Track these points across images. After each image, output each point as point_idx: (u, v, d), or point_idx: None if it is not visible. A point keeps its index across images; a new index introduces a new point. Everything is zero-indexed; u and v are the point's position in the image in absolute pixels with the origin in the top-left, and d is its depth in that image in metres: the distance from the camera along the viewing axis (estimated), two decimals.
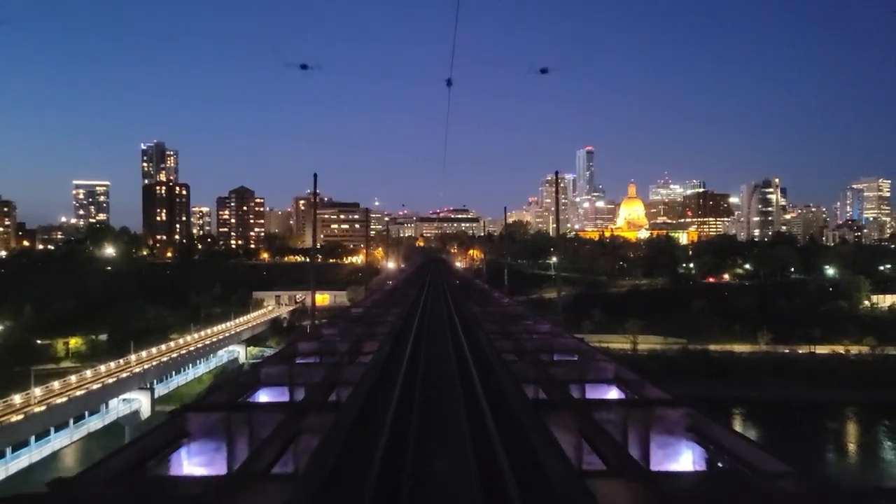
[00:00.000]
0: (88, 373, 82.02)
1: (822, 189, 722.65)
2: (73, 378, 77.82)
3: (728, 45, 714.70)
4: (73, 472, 8.84)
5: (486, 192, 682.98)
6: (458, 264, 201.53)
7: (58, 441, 64.85)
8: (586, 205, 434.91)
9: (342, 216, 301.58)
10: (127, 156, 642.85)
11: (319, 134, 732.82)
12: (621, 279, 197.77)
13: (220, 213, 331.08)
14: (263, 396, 16.36)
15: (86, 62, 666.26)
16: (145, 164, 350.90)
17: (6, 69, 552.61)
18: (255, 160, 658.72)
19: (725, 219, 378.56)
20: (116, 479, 8.76)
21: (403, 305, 38.40)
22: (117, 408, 78.05)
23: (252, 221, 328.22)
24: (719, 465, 10.15)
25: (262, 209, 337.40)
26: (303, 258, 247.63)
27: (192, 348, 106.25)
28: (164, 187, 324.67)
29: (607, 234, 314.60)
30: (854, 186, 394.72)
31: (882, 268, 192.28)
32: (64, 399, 69.17)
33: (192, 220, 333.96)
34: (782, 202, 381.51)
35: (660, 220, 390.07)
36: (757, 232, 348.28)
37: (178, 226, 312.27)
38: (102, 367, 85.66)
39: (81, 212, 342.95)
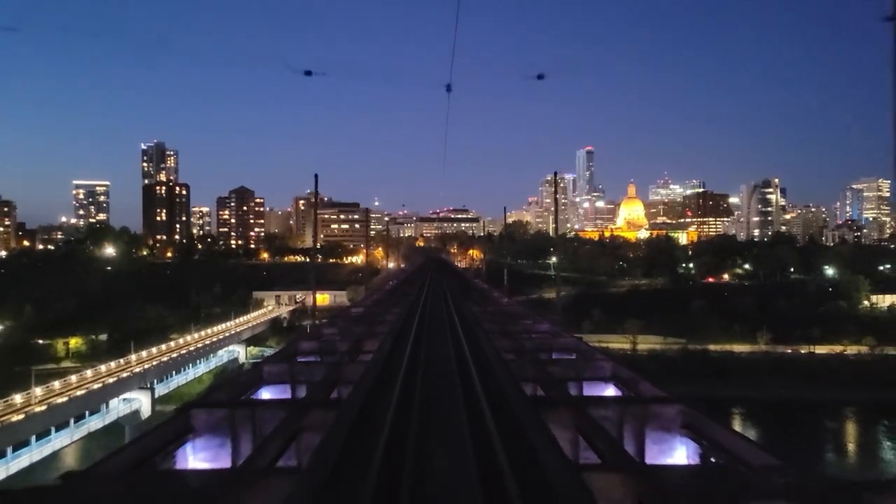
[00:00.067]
0: (89, 372, 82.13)
1: (822, 189, 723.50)
2: (73, 378, 77.93)
3: (728, 45, 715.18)
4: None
5: (486, 192, 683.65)
6: (458, 264, 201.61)
7: (58, 441, 64.99)
8: (586, 205, 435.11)
9: (342, 216, 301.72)
10: (127, 156, 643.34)
11: (319, 134, 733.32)
12: (621, 279, 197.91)
13: (220, 213, 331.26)
14: (265, 394, 16.58)
15: (86, 62, 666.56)
16: (145, 164, 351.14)
17: (6, 69, 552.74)
18: (255, 160, 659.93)
19: (725, 219, 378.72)
20: (125, 474, 9.00)
21: (403, 305, 38.54)
22: (118, 407, 78.19)
23: (252, 221, 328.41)
24: (712, 460, 10.36)
25: (262, 209, 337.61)
26: (303, 258, 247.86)
27: (192, 348, 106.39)
28: (164, 187, 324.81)
29: (607, 234, 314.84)
30: (854, 186, 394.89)
31: (881, 268, 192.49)
32: (64, 399, 69.28)
33: (192, 220, 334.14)
34: (782, 202, 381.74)
35: (659, 220, 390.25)
36: (757, 232, 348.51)
37: (178, 226, 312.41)
38: (103, 367, 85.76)
39: (81, 212, 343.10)
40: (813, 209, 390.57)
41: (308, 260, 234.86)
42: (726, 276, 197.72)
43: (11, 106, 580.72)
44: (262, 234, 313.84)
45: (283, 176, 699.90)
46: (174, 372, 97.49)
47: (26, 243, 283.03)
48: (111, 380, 79.91)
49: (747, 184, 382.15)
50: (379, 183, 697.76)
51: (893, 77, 9.51)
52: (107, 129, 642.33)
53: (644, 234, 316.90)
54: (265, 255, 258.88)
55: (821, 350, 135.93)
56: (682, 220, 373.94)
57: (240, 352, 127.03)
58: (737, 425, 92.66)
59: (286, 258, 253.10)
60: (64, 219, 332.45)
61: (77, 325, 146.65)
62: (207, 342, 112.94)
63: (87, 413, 71.38)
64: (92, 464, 9.11)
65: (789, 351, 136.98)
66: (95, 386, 76.09)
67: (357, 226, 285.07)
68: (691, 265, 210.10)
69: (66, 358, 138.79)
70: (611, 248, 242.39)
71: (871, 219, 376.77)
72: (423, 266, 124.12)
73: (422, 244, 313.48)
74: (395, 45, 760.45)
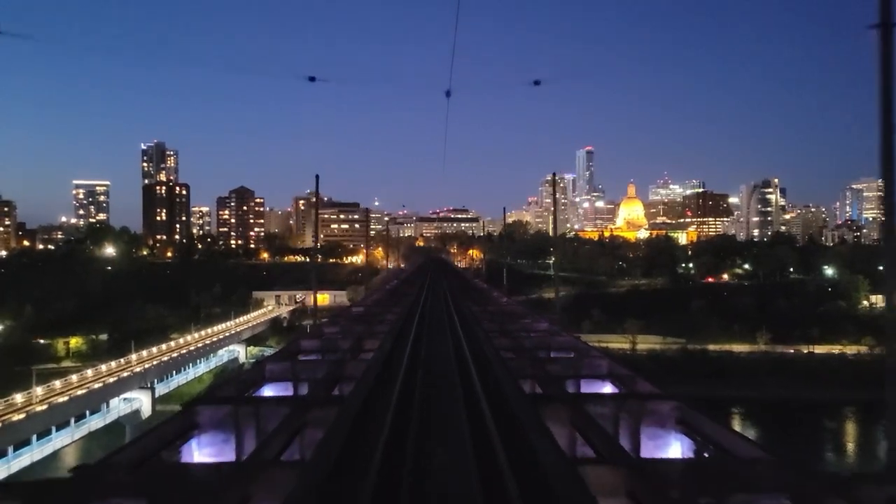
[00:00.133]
0: (89, 372, 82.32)
1: (822, 189, 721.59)
2: (74, 377, 78.14)
3: (728, 45, 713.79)
4: None
5: (486, 192, 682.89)
6: (457, 264, 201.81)
7: (59, 440, 65.25)
8: (586, 205, 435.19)
9: (342, 216, 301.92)
10: (127, 156, 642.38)
11: (319, 134, 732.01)
12: (621, 279, 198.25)
13: (220, 213, 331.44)
14: (268, 391, 16.81)
15: (86, 62, 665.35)
16: (145, 164, 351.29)
17: (6, 69, 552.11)
18: (255, 160, 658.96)
19: (725, 219, 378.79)
20: (133, 467, 9.27)
21: (403, 304, 38.68)
22: (118, 407, 78.43)
23: (252, 221, 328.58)
24: (705, 455, 10.61)
25: (262, 209, 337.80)
26: (303, 258, 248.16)
27: (192, 348, 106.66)
28: (164, 187, 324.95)
29: (607, 234, 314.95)
30: (853, 186, 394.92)
31: (881, 268, 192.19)
32: (65, 398, 69.50)
33: (192, 220, 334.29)
34: (782, 202, 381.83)
35: (659, 220, 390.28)
36: (756, 232, 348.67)
37: (178, 226, 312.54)
38: (103, 367, 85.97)
39: (81, 212, 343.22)
40: (813, 209, 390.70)
41: (308, 260, 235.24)
42: (726, 276, 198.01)
43: (11, 106, 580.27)
44: (262, 234, 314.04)
45: (283, 176, 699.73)
46: (174, 371, 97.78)
47: (26, 243, 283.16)
48: (112, 379, 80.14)
49: (747, 184, 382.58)
50: (379, 183, 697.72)
51: (880, 83, 9.77)
52: (107, 129, 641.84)
53: (644, 234, 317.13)
54: (265, 255, 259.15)
55: (820, 350, 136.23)
56: (682, 220, 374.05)
57: (240, 352, 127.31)
58: (736, 425, 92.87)
59: (286, 258, 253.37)
60: (64, 219, 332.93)
61: (77, 324, 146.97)
62: (207, 342, 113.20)
63: (87, 412, 71.66)
64: (101, 457, 9.38)
65: (789, 351, 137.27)
66: (96, 385, 76.32)
67: (357, 226, 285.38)
68: (691, 265, 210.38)
69: (66, 357, 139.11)
70: (610, 248, 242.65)
71: (870, 219, 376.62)
72: (423, 266, 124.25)
73: (422, 244, 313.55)
74: (395, 46, 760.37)
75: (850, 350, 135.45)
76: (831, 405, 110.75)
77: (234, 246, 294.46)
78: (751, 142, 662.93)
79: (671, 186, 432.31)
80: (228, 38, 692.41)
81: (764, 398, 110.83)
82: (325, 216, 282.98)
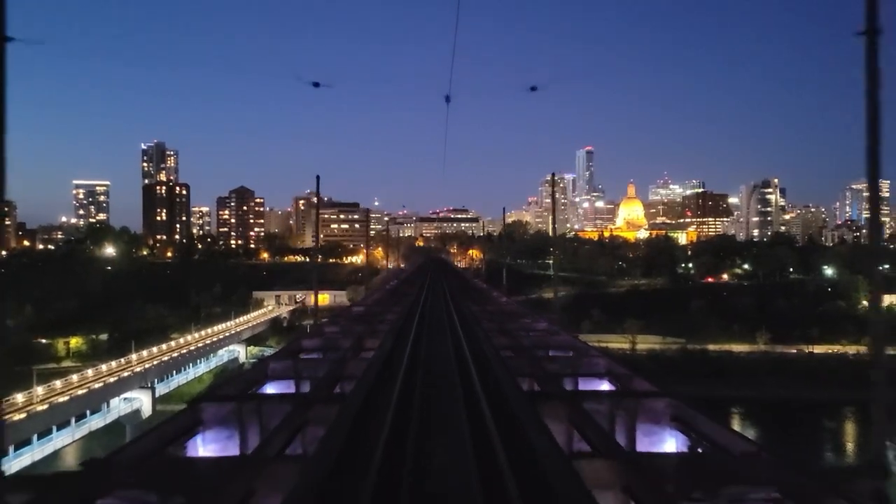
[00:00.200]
0: (90, 372, 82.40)
1: (822, 189, 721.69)
2: (74, 377, 78.21)
3: (728, 45, 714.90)
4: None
5: (485, 192, 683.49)
6: (457, 264, 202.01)
7: (60, 440, 65.39)
8: (586, 205, 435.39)
9: (342, 216, 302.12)
10: (127, 156, 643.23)
11: (319, 134, 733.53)
12: (620, 279, 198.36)
13: (220, 213, 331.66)
14: (270, 389, 17.01)
15: (86, 62, 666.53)
16: (145, 164, 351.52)
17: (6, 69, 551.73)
18: (255, 160, 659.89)
19: (725, 219, 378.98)
20: (140, 462, 9.50)
21: (404, 304, 38.83)
22: (118, 407, 78.59)
23: (252, 221, 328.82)
24: (699, 450, 10.83)
25: (262, 209, 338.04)
26: (303, 258, 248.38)
27: (192, 348, 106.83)
28: (164, 187, 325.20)
29: (606, 234, 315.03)
30: (853, 186, 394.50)
31: (881, 268, 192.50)
32: (66, 398, 69.60)
33: (192, 220, 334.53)
34: (781, 202, 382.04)
35: (659, 220, 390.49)
36: (756, 232, 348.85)
37: (178, 226, 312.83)
38: (103, 367, 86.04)
39: (81, 212, 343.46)
40: (812, 209, 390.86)
41: (308, 260, 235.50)
42: (725, 276, 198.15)
43: (11, 106, 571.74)
44: (262, 234, 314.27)
45: (283, 176, 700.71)
46: (175, 371, 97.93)
47: (26, 243, 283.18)
48: (112, 379, 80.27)
49: (747, 184, 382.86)
50: (379, 183, 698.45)
51: (867, 89, 9.98)
52: (107, 129, 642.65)
53: (643, 235, 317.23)
54: (265, 255, 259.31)
55: (819, 350, 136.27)
56: (682, 221, 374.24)
57: (240, 351, 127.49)
58: (736, 425, 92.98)
59: (286, 258, 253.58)
60: (64, 219, 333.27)
61: (77, 324, 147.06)
62: (208, 342, 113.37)
63: (88, 412, 71.80)
64: (109, 453, 9.60)
65: (789, 351, 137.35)
66: (96, 385, 76.44)
67: (357, 226, 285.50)
68: (691, 265, 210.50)
69: (66, 357, 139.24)
70: (610, 248, 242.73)
71: None
72: (423, 266, 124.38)
73: (422, 244, 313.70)
74: (395, 47, 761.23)
75: (850, 350, 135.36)
76: (831, 405, 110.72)
77: (234, 246, 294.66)
78: (751, 142, 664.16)
79: (671, 186, 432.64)
80: (228, 38, 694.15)
81: (764, 398, 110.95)
82: (326, 216, 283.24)
